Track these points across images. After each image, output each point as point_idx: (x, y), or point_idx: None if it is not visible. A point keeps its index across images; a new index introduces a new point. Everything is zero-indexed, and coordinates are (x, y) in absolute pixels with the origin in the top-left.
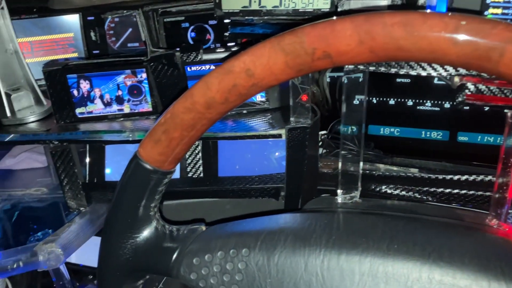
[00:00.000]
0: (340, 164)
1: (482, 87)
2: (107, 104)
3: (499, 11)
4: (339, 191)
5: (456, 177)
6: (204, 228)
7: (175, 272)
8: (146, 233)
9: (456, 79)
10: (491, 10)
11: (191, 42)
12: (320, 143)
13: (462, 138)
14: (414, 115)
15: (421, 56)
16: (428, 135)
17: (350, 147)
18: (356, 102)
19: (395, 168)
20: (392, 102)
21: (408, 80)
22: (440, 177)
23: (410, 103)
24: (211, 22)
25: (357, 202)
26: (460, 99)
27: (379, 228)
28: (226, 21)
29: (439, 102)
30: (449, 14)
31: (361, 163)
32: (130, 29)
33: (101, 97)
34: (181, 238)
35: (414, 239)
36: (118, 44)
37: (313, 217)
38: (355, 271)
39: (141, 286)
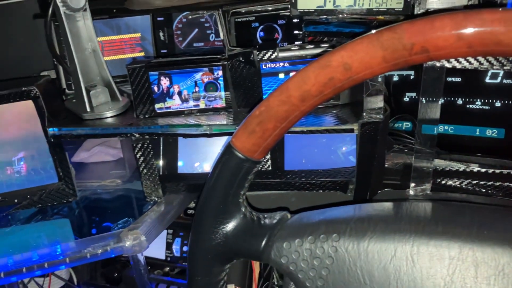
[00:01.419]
0: (413, 160)
1: None
2: (184, 100)
3: None
4: (411, 184)
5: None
6: (289, 215)
7: (266, 256)
8: (236, 219)
9: None
10: None
11: (260, 41)
12: None
13: None
14: (468, 113)
15: None
16: (483, 133)
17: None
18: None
19: (456, 164)
20: (444, 100)
21: (459, 79)
22: (505, 172)
23: (460, 102)
24: (280, 21)
25: (428, 195)
26: None
27: (467, 215)
28: (295, 21)
29: (492, 101)
30: None
31: (435, 160)
32: (196, 29)
33: (179, 93)
34: (269, 224)
35: (504, 226)
36: (184, 44)
37: (399, 206)
38: (445, 255)
39: (227, 270)
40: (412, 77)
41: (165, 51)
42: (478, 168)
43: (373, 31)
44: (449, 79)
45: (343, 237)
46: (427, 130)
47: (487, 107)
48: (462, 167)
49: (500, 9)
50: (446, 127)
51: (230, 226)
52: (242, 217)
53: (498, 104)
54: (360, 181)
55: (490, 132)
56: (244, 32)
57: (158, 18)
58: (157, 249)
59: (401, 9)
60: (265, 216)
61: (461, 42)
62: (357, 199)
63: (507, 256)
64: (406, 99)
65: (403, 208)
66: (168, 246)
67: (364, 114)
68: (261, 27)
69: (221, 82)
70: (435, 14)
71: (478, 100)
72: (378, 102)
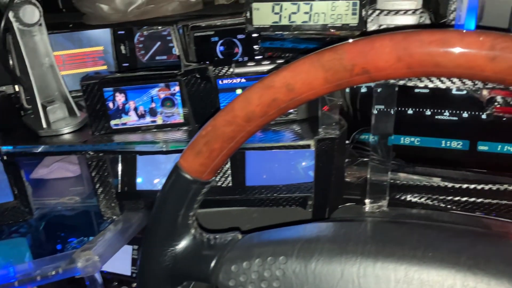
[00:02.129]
0: (368, 174)
1: (510, 99)
2: (140, 116)
3: None
4: (367, 201)
5: (479, 187)
6: (240, 236)
7: (214, 279)
8: (185, 241)
9: (485, 92)
10: None
11: (220, 56)
12: None
13: (482, 147)
14: (434, 125)
15: (458, 72)
16: (448, 145)
17: (375, 157)
18: (384, 112)
19: (418, 178)
20: (411, 111)
21: (427, 90)
22: (464, 186)
23: (429, 112)
24: (240, 36)
25: (384, 211)
26: (488, 111)
27: (414, 236)
28: (254, 35)
29: (459, 111)
30: (485, 32)
31: (389, 173)
32: (158, 43)
33: (135, 109)
34: (219, 245)
35: (449, 247)
36: (147, 57)
37: (348, 226)
38: (391, 278)
39: None
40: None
41: (127, 64)
42: (440, 183)
43: (316, 52)
44: (416, 90)
45: (290, 259)
46: (380, 142)
47: (452, 119)
48: (424, 181)
49: (439, 30)
50: (413, 139)
51: (179, 248)
52: (191, 239)
53: (463, 115)
54: (318, 197)
55: (456, 144)
56: (203, 47)
57: (119, 32)
58: (122, 265)
59: (356, 24)
60: (216, 237)
61: (400, 63)
62: (316, 215)
63: (451, 278)
64: (374, 111)
65: (352, 228)
66: (134, 262)
67: (320, 130)
68: (221, 41)
69: (179, 98)
70: (376, 34)
71: (444, 111)
72: (334, 117)
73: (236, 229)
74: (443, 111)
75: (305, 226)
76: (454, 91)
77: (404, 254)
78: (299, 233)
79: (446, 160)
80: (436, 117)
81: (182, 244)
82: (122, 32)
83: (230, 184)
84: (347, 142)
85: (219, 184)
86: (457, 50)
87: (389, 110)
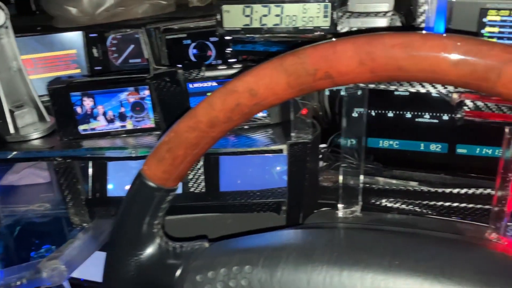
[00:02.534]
0: (340, 178)
1: (480, 103)
2: (110, 121)
3: (495, 29)
4: (339, 206)
5: (455, 191)
6: (207, 244)
7: None
8: (149, 250)
9: (455, 96)
10: (487, 29)
11: (193, 59)
12: (320, 157)
13: (461, 150)
14: (413, 128)
15: (422, 76)
16: (427, 148)
17: (350, 161)
18: (355, 115)
19: (394, 182)
20: (390, 114)
21: (406, 93)
22: (440, 190)
23: (408, 115)
24: (212, 39)
25: (357, 217)
26: (459, 115)
27: (381, 244)
28: (228, 38)
29: (438, 114)
30: (448, 35)
31: (362, 177)
32: (132, 46)
33: (104, 114)
34: (185, 254)
35: (416, 255)
36: (120, 61)
37: (316, 234)
38: (357, 287)
39: None
40: (359, 93)
41: (100, 68)
42: (416, 187)
43: (279, 56)
44: (395, 93)
45: (256, 268)
46: (353, 146)
47: (431, 121)
48: (400, 185)
49: (402, 33)
50: (391, 142)
51: (143, 257)
52: (156, 248)
53: (442, 118)
54: (291, 202)
55: (434, 147)
56: (176, 50)
57: (91, 35)
58: (98, 272)
59: (327, 27)
60: (182, 245)
61: (363, 67)
62: (290, 221)
63: (418, 287)
64: (354, 114)
65: (319, 236)
66: None
67: (293, 134)
68: (194, 44)
69: (149, 102)
70: (340, 38)
71: (423, 114)
72: (307, 121)
73: (204, 237)
74: (422, 114)
75: (272, 234)
76: (433, 94)
77: (371, 262)
78: (266, 241)
79: (425, 163)
80: (415, 120)
81: (147, 253)
82: (94, 35)
83: (203, 190)
84: (324, 146)
85: (191, 190)
86: (420, 54)
87: (360, 113)
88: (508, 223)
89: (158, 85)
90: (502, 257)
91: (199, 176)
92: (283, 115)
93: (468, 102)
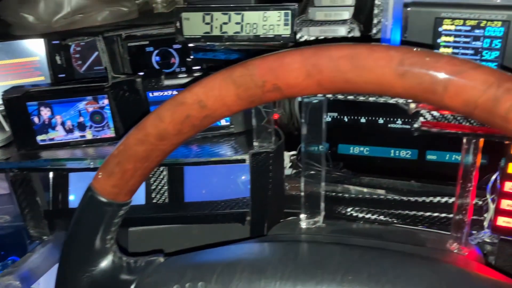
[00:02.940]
0: (302, 187)
1: (436, 114)
2: (68, 131)
3: (451, 39)
4: (302, 216)
5: (422, 199)
6: (162, 259)
7: None
8: (102, 266)
9: (412, 105)
10: (443, 38)
11: (156, 66)
12: (290, 164)
13: (431, 156)
14: (384, 134)
15: (369, 88)
16: (397, 154)
17: (316, 168)
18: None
19: (362, 190)
20: (361, 121)
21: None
22: (405, 198)
23: (380, 121)
24: (176, 46)
25: (320, 227)
26: (415, 125)
27: (335, 258)
28: (191, 45)
29: (409, 120)
30: (395, 46)
31: (323, 185)
32: (96, 53)
33: (63, 123)
34: (139, 270)
35: (369, 270)
36: (84, 68)
37: (271, 248)
38: None
39: None
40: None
41: (63, 75)
42: (384, 195)
43: (229, 67)
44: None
45: (209, 285)
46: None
47: (401, 127)
48: (367, 193)
49: (348, 45)
50: (362, 149)
51: (95, 273)
52: (109, 263)
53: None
54: (255, 213)
55: (404, 153)
56: (138, 57)
57: (53, 42)
58: None
59: (288, 35)
60: (137, 260)
61: (310, 79)
62: (254, 232)
63: None
64: (327, 119)
65: (273, 251)
66: None
67: (255, 143)
68: (156, 51)
69: (108, 112)
70: (289, 49)
71: (394, 120)
72: (270, 130)
73: (160, 252)
74: (392, 120)
75: (228, 248)
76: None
77: (324, 278)
78: (220, 256)
79: (395, 170)
80: (385, 126)
81: (100, 268)
82: (57, 42)
83: (167, 201)
84: (294, 153)
85: (155, 200)
86: (366, 66)
87: (318, 119)
88: (473, 231)
89: (117, 94)
90: (456, 272)
91: (163, 186)
92: (247, 124)
93: (424, 112)
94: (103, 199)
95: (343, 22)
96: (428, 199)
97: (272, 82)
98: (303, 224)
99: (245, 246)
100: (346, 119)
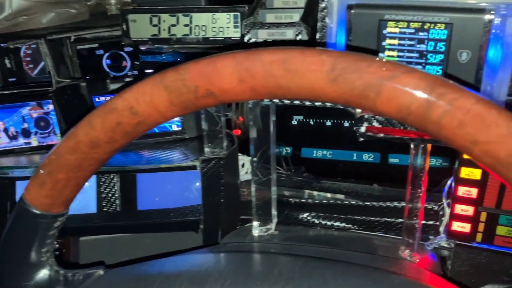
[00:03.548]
0: (252, 192)
1: (382, 118)
2: (12, 138)
3: (395, 41)
4: (254, 223)
5: (379, 204)
6: (102, 272)
7: None
8: (37, 279)
9: (358, 110)
10: (388, 41)
11: (107, 70)
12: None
13: (393, 160)
14: (348, 137)
15: (303, 94)
16: (360, 158)
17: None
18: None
19: (321, 195)
20: (327, 124)
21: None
22: (363, 203)
23: (346, 124)
24: (127, 49)
25: (273, 234)
26: (361, 130)
27: (276, 270)
28: (143, 48)
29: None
30: (328, 50)
31: (274, 190)
32: None
33: (6, 130)
34: (76, 284)
35: (309, 282)
36: (36, 72)
37: (213, 260)
38: None
39: None
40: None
41: (14, 79)
42: (343, 200)
43: (161, 71)
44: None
45: None
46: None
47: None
48: (325, 198)
49: (281, 49)
50: (325, 152)
51: (31, 287)
52: (46, 277)
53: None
54: (208, 221)
55: (367, 157)
56: (88, 61)
57: (2, 44)
58: None
59: (238, 38)
60: (75, 274)
61: (244, 85)
62: (207, 240)
63: None
64: (294, 122)
65: (215, 262)
66: None
67: (206, 149)
68: (107, 54)
69: (54, 117)
70: (222, 53)
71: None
72: (221, 135)
73: (100, 264)
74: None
75: (169, 260)
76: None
77: None
78: (161, 268)
79: (358, 173)
80: (350, 129)
81: (35, 282)
82: (5, 44)
83: (119, 209)
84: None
85: (106, 209)
86: (298, 70)
87: (266, 122)
88: (431, 237)
89: (62, 99)
90: (399, 282)
91: (113, 194)
92: (200, 129)
93: (369, 117)
94: (36, 211)
95: (292, 25)
96: (386, 204)
97: (205, 87)
98: (256, 232)
99: (187, 257)
100: (312, 122)
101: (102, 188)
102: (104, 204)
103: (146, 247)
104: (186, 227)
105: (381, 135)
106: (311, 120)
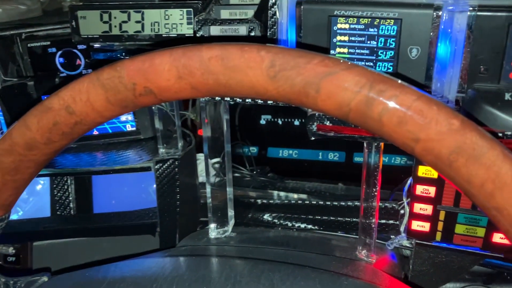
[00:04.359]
0: (208, 193)
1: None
2: None
3: (346, 38)
4: (211, 225)
5: (340, 204)
6: (46, 278)
7: None
8: None
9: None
10: (338, 38)
11: (60, 68)
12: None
13: (358, 159)
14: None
15: (244, 91)
16: (325, 157)
17: (243, 171)
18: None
19: (284, 195)
20: (295, 123)
21: None
22: (324, 203)
23: (301, 124)
24: (81, 46)
25: (230, 236)
26: (313, 129)
27: (224, 273)
28: (97, 46)
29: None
30: (267, 46)
31: (230, 191)
32: None
33: None
34: None
35: (257, 285)
36: None
37: (161, 264)
38: None
39: None
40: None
41: None
42: (300, 201)
43: (98, 69)
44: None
45: None
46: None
47: None
48: (288, 198)
49: (220, 44)
50: (290, 152)
51: None
52: None
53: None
54: (164, 223)
55: (332, 156)
56: (40, 59)
57: None
58: None
59: (192, 34)
60: (17, 281)
61: (183, 82)
62: (164, 243)
63: None
64: (262, 121)
65: (161, 267)
66: None
67: (161, 150)
68: (60, 52)
69: (1, 117)
70: (161, 49)
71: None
72: (175, 135)
73: (46, 270)
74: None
75: (116, 265)
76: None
77: None
78: (106, 273)
79: (324, 173)
80: None
81: None
82: None
83: (74, 212)
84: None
85: (59, 212)
86: (237, 67)
87: (220, 120)
88: (392, 236)
89: (8, 99)
90: (348, 284)
91: (67, 197)
92: (155, 129)
93: (320, 115)
94: None
95: (245, 21)
96: (347, 204)
97: (143, 85)
98: (212, 234)
99: (135, 262)
100: (280, 122)
101: (55, 191)
102: (58, 208)
103: (103, 251)
104: (143, 231)
105: (332, 133)
106: (279, 119)
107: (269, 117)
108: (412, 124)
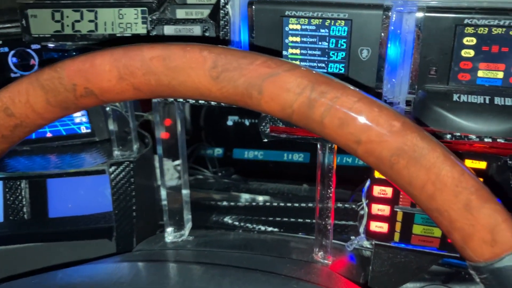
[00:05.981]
0: (164, 196)
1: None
2: None
3: (298, 39)
4: (168, 229)
5: (300, 205)
6: None
7: None
8: None
9: None
10: (290, 38)
11: (14, 69)
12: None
13: None
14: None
15: (188, 93)
16: (290, 158)
17: (206, 173)
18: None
19: (246, 196)
20: (255, 125)
21: None
22: (285, 204)
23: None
24: (35, 46)
25: (187, 240)
26: (264, 131)
27: (173, 279)
28: (51, 45)
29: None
30: (210, 46)
31: (185, 193)
32: None
33: None
34: None
35: None
36: None
37: (109, 270)
38: None
39: None
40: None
41: None
42: (261, 202)
43: (38, 69)
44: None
45: None
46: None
47: None
48: (247, 200)
49: (162, 45)
50: (256, 153)
51: None
52: None
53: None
54: (121, 227)
55: (297, 157)
56: None
57: None
58: None
59: (146, 34)
60: None
61: (124, 83)
62: (120, 247)
63: None
64: (229, 122)
65: (110, 273)
66: None
67: (116, 152)
68: (13, 52)
69: None
70: (101, 49)
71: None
72: (130, 137)
73: None
74: None
75: (63, 272)
76: None
77: None
78: (53, 280)
79: (288, 174)
80: None
81: None
82: None
83: (28, 217)
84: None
85: (12, 217)
86: (179, 67)
87: (173, 122)
88: (352, 237)
89: None
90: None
91: (21, 201)
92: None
93: (270, 117)
94: None
95: (199, 21)
96: (308, 205)
97: (84, 86)
98: (169, 238)
99: (82, 268)
100: (247, 123)
101: (8, 195)
102: (11, 212)
103: (58, 257)
104: (99, 235)
105: (285, 135)
106: (246, 120)
107: (236, 118)
108: (353, 126)
